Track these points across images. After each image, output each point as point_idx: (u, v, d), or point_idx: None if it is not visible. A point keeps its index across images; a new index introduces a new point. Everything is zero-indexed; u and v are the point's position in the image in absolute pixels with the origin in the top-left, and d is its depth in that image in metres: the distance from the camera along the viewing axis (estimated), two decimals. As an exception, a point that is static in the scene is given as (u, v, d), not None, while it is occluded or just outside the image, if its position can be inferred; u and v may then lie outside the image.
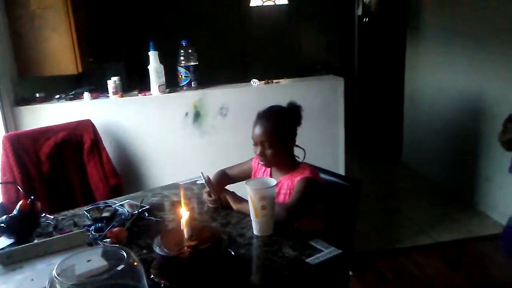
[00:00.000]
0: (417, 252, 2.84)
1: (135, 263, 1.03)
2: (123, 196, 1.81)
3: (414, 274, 2.63)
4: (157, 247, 1.17)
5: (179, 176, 2.01)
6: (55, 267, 0.99)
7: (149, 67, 2.50)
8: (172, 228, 1.48)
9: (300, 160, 1.71)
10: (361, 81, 5.51)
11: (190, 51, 2.55)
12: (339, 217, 1.77)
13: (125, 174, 2.51)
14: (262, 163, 1.67)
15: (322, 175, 1.76)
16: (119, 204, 1.68)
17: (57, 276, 0.97)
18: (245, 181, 1.44)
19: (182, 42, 2.55)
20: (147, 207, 1.67)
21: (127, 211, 1.61)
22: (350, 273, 2.58)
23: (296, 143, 1.71)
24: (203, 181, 1.64)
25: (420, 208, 3.51)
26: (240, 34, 5.87)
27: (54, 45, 2.52)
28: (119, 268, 0.99)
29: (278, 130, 1.62)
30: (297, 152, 1.72)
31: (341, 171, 2.70)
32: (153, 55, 2.48)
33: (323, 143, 2.67)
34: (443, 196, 3.68)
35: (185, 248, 1.14)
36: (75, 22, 2.55)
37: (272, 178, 1.51)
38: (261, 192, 1.36)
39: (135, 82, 3.52)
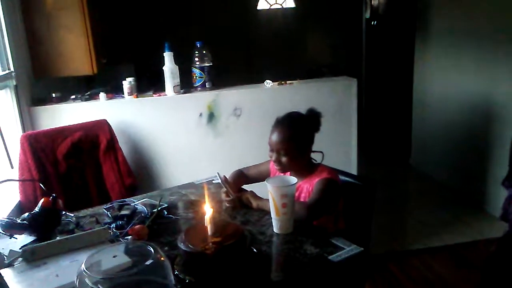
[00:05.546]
0: (428, 254, 2.84)
1: (162, 259, 1.04)
2: (141, 195, 1.82)
3: (426, 276, 2.62)
4: (182, 243, 1.18)
5: (193, 176, 2.02)
6: (84, 261, 1.00)
7: (164, 67, 2.52)
8: (196, 224, 1.49)
9: (317, 162, 1.70)
10: (369, 84, 5.51)
11: (204, 52, 2.57)
12: (354, 217, 1.78)
13: (139, 174, 2.53)
14: (277, 168, 1.66)
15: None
16: (136, 203, 1.69)
17: (86, 270, 0.98)
18: (265, 180, 1.45)
19: (197, 43, 2.58)
20: (166, 205, 1.68)
21: (147, 209, 1.62)
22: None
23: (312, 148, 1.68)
24: (219, 181, 1.65)
25: (430, 210, 3.50)
26: (247, 37, 5.89)
27: (70, 45, 2.55)
28: (147, 263, 1.00)
29: (295, 139, 1.59)
30: (314, 155, 1.71)
31: (353, 171, 2.71)
32: (168, 56, 2.50)
33: (336, 144, 2.68)
34: (453, 198, 3.67)
35: (210, 244, 1.16)
36: (91, 23, 2.57)
37: (292, 177, 1.52)
38: (282, 190, 1.37)
39: (145, 84, 3.53)
